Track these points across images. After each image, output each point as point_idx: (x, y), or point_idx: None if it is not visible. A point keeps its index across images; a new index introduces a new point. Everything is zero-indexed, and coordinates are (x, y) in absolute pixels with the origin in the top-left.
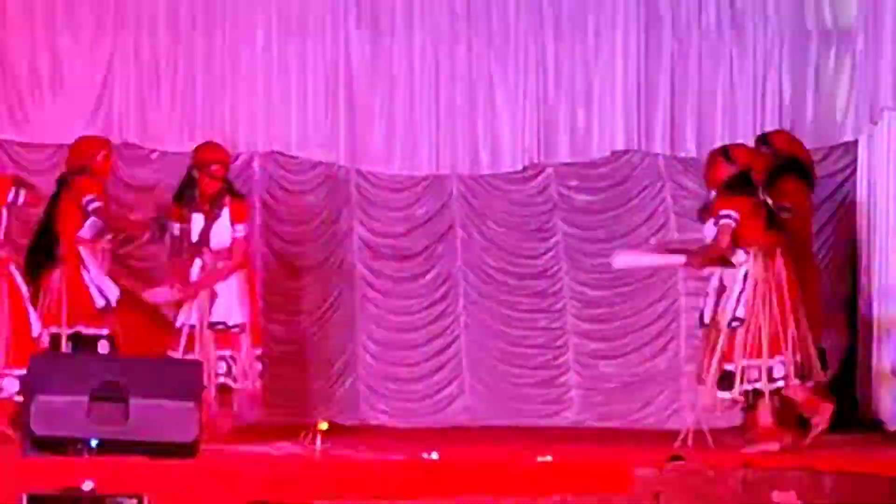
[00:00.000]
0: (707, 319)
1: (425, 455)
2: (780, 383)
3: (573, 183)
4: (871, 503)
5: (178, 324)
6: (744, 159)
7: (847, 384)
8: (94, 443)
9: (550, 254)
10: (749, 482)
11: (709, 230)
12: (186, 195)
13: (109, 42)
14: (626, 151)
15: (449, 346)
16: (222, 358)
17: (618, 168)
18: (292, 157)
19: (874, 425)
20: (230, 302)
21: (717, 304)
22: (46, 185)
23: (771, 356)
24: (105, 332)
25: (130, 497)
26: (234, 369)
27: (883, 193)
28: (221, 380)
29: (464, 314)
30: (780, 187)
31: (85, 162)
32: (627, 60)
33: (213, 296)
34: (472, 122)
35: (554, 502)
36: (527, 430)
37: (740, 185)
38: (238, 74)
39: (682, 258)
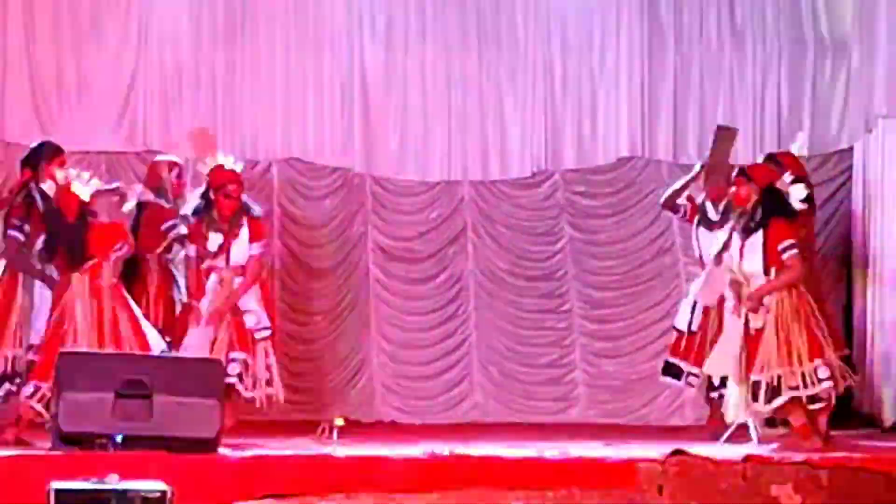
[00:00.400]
0: (696, 327)
1: (437, 450)
2: (827, 384)
3: (579, 188)
4: (866, 497)
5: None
6: (763, 178)
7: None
8: (118, 438)
9: (557, 256)
10: (749, 476)
11: (748, 256)
12: (205, 216)
13: (134, 53)
14: (630, 158)
15: (460, 345)
16: (236, 360)
17: (622, 174)
18: (309, 163)
19: (870, 420)
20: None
21: (705, 314)
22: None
23: (811, 360)
24: None
25: (154, 491)
26: (245, 376)
27: (878, 199)
28: (232, 381)
29: (474, 314)
30: None
31: (157, 184)
32: (632, 71)
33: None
34: (482, 130)
35: (561, 496)
36: (535, 426)
37: (778, 206)
38: (257, 84)
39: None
